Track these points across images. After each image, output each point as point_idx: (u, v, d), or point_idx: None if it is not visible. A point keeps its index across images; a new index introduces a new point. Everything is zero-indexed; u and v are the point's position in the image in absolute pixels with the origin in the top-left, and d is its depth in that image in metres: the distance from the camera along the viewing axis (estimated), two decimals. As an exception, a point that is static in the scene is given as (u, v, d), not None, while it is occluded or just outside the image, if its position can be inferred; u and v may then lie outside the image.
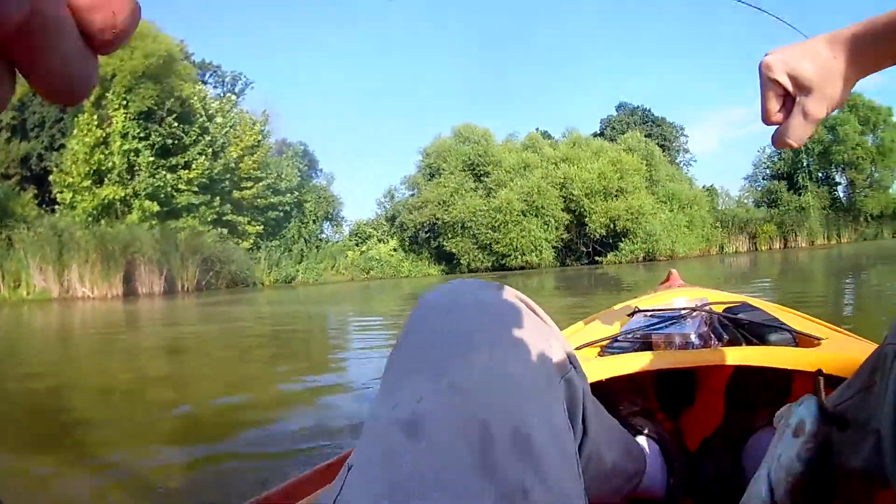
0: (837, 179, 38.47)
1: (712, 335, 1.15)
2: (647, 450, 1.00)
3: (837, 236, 36.26)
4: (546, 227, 31.62)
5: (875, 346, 0.66)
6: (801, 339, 1.16)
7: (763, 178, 40.85)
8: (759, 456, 0.77)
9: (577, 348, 1.16)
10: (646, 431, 1.05)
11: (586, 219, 31.82)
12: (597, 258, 32.27)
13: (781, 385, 1.15)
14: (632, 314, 1.38)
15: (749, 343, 1.18)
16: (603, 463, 0.72)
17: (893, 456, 0.56)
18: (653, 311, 1.36)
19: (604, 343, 1.22)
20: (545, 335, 0.62)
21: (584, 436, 0.65)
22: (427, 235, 33.94)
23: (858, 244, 32.92)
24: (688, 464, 1.08)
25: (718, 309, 1.31)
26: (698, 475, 1.06)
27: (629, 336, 1.20)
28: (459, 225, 31.87)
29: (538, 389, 0.57)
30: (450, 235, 32.38)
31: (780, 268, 16.82)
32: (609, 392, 1.10)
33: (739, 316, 1.24)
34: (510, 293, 0.64)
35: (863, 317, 5.60)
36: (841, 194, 38.42)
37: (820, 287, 9.92)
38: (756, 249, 35.03)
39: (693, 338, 1.09)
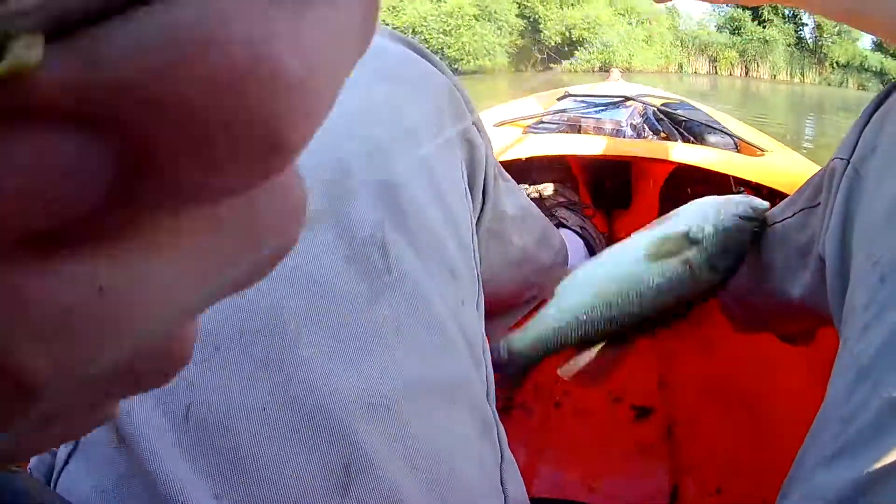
0: (805, 20, 37.45)
1: (646, 127, 1.09)
2: (571, 244, 0.97)
3: (801, 75, 36.03)
4: (499, 31, 31.09)
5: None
6: (742, 146, 1.12)
7: (727, 5, 39.57)
8: None
9: (495, 125, 1.08)
10: (570, 224, 1.01)
11: (541, 25, 31.38)
12: (552, 65, 31.85)
13: (717, 192, 1.12)
14: (562, 98, 1.30)
15: (686, 141, 1.13)
16: (508, 244, 0.67)
17: (837, 282, 0.51)
18: (585, 95, 1.29)
19: (528, 123, 1.13)
20: (440, 83, 0.52)
21: (482, 207, 0.59)
22: (376, 41, 32.68)
23: (823, 88, 32.82)
24: None
25: (656, 103, 1.25)
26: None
27: (557, 118, 1.12)
28: (410, 30, 30.58)
29: (421, 137, 0.47)
30: (401, 41, 31.44)
31: (740, 94, 16.69)
32: (533, 178, 1.05)
33: (678, 112, 1.18)
34: (392, 34, 0.53)
35: (824, 155, 5.53)
36: (808, 36, 37.64)
37: (781, 120, 9.88)
38: (716, 73, 34.84)
39: (625, 126, 1.03)
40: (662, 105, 1.23)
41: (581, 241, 1.00)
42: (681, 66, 34.97)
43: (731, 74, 34.93)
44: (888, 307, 0.40)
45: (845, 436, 0.38)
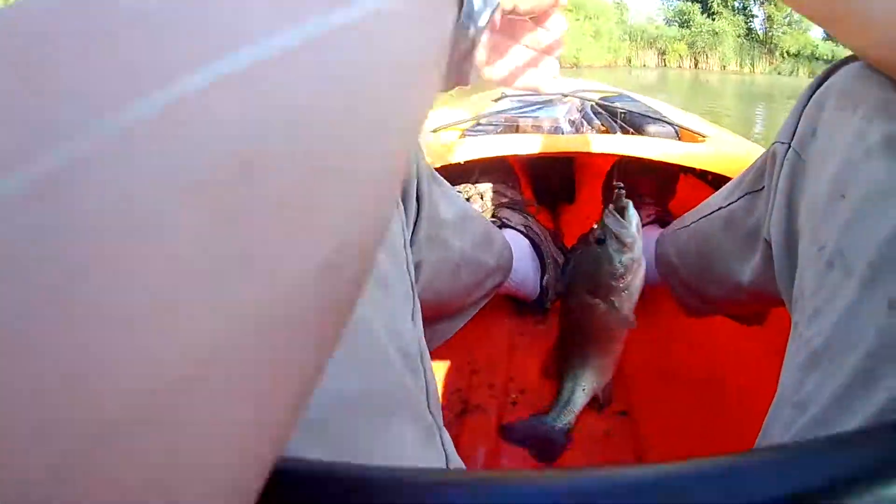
0: (755, 12, 38.32)
1: (584, 122, 1.09)
2: (515, 243, 0.97)
3: (751, 65, 36.84)
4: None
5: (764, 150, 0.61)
6: (683, 134, 1.13)
7: (676, -1, 40.45)
8: None
9: (433, 130, 1.08)
10: (513, 224, 1.01)
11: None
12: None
13: (661, 181, 1.13)
14: (498, 98, 1.31)
15: (625, 133, 1.14)
16: (448, 249, 0.67)
17: (785, 266, 0.51)
18: (521, 94, 1.29)
19: (466, 126, 1.13)
20: None
21: (417, 215, 0.59)
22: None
23: (773, 77, 33.44)
24: (565, 261, 1.06)
25: (593, 97, 1.25)
26: (571, 271, 1.04)
27: (494, 119, 1.12)
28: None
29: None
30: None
31: (689, 85, 16.92)
32: (473, 180, 1.04)
33: (616, 105, 1.19)
34: None
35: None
36: (757, 27, 38.50)
37: (730, 109, 10.02)
38: (665, 66, 35.42)
39: (563, 123, 1.03)
40: (601, 99, 1.24)
41: (526, 240, 1.00)
42: (629, 59, 35.57)
43: (680, 67, 35.65)
44: (838, 293, 0.39)
45: (798, 424, 0.38)
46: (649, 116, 1.19)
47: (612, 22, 34.60)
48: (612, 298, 0.79)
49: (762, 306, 0.74)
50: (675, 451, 0.83)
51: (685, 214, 0.82)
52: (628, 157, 0.98)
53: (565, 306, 0.87)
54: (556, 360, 0.88)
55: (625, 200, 0.78)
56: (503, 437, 0.83)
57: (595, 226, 0.79)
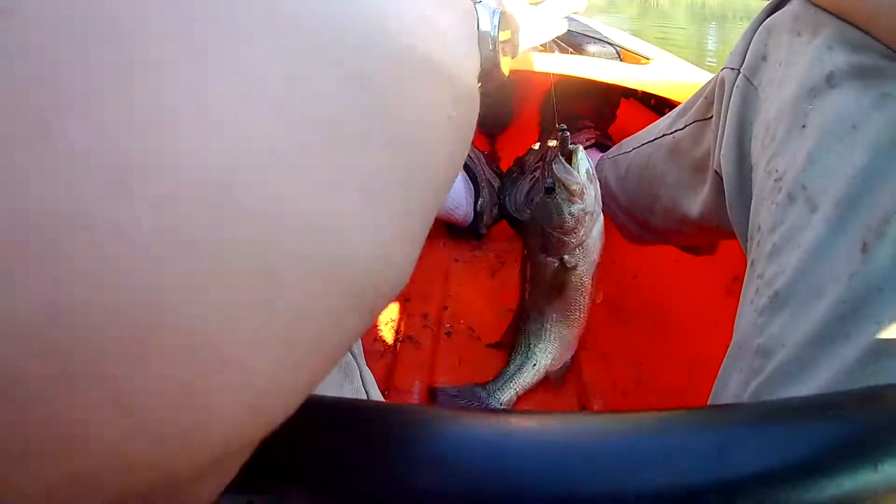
0: None
1: (522, 38, 1.03)
2: None
3: None
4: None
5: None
6: (625, 55, 1.09)
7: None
8: None
9: None
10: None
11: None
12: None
13: (600, 104, 1.09)
14: None
15: (563, 52, 1.08)
16: None
17: (738, 199, 0.48)
18: None
19: None
20: None
21: None
22: None
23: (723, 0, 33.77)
24: (501, 185, 1.02)
25: None
26: (506, 196, 1.00)
27: None
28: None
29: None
30: None
31: (639, 8, 16.81)
32: None
33: (555, 22, 1.13)
34: None
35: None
36: None
37: (681, 32, 9.98)
38: None
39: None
40: None
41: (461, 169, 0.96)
42: (577, -21, 35.21)
43: None
44: (801, 230, 0.37)
45: (768, 370, 0.36)
46: (589, 36, 1.15)
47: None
48: (565, 255, 0.71)
49: (712, 238, 0.72)
50: (622, 387, 0.81)
51: (625, 140, 0.79)
52: (566, 76, 0.93)
53: (523, 264, 0.78)
54: (512, 325, 0.81)
55: (572, 145, 0.71)
56: (432, 398, 0.77)
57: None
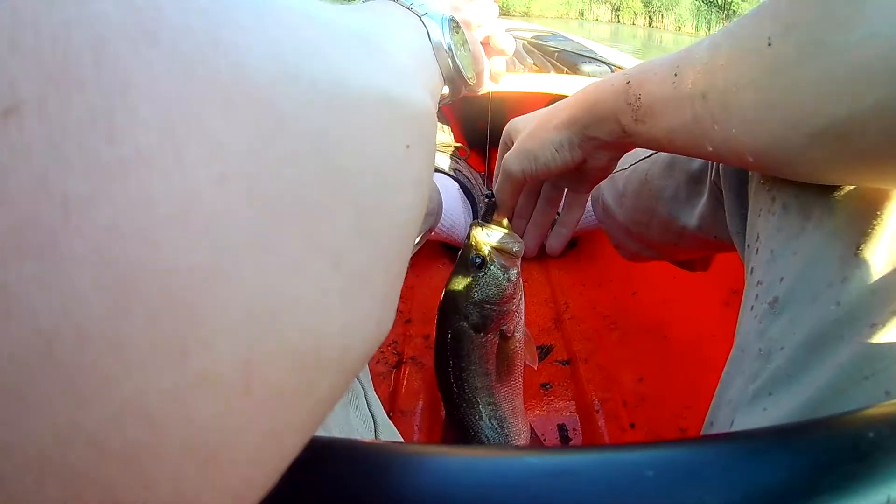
0: None
1: (516, 61, 1.05)
2: (445, 188, 0.93)
3: (707, 29, 36.97)
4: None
5: None
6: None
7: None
8: None
9: None
10: (442, 168, 0.97)
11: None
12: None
13: None
14: None
15: (559, 72, 1.10)
16: None
17: (736, 209, 0.49)
18: None
19: None
20: None
21: None
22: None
23: None
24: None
25: (526, 36, 1.21)
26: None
27: None
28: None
29: None
30: None
31: (642, 43, 16.93)
32: None
33: (549, 44, 1.15)
34: None
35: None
36: None
37: None
38: (619, 22, 35.50)
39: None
40: (533, 38, 1.20)
41: (456, 184, 0.96)
42: (581, 13, 35.43)
43: (633, 24, 35.73)
44: (795, 234, 0.38)
45: (766, 373, 0.37)
46: (584, 55, 1.16)
47: (564, -27, 34.39)
48: (503, 327, 0.62)
49: (708, 251, 0.72)
50: (623, 401, 0.82)
51: (622, 157, 0.79)
52: (562, 96, 0.94)
53: (442, 366, 0.63)
54: (449, 432, 0.67)
55: (498, 210, 0.62)
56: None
57: (468, 241, 0.63)
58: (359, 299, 0.17)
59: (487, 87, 0.50)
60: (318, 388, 0.16)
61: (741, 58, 0.34)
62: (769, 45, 0.32)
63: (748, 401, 0.37)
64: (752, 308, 0.41)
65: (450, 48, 0.35)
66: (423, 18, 0.34)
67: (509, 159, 0.58)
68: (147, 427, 0.12)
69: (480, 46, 0.46)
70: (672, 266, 0.79)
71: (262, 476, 0.15)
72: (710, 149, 0.38)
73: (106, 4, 0.12)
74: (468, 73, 0.38)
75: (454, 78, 0.36)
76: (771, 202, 0.41)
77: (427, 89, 0.29)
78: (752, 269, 0.43)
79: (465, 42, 0.39)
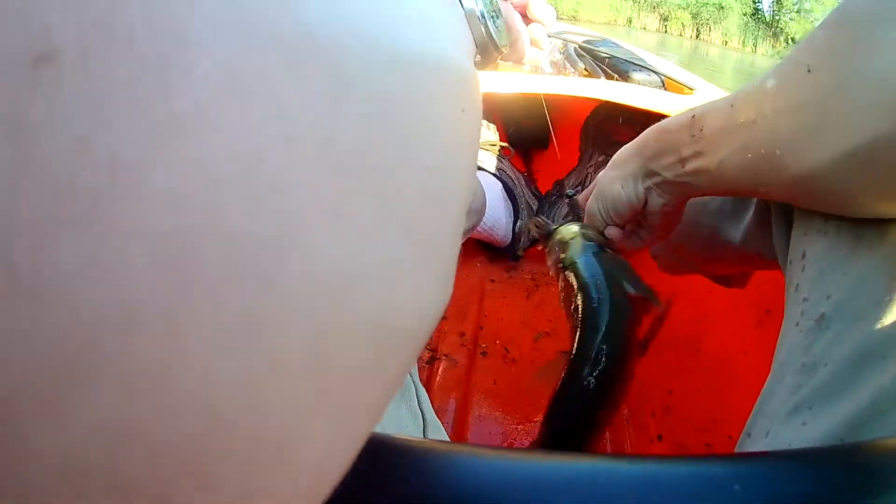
0: None
1: (567, 64, 1.05)
2: (488, 186, 0.93)
3: (753, 45, 36.35)
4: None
5: None
6: (669, 84, 1.09)
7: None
8: None
9: None
10: (486, 167, 0.98)
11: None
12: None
13: (642, 131, 1.09)
14: None
15: (609, 78, 1.10)
16: None
17: (782, 225, 0.50)
18: None
19: None
20: None
21: None
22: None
23: (774, 60, 33.46)
24: (539, 207, 1.04)
25: (577, 40, 1.21)
26: (546, 217, 1.02)
27: None
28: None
29: None
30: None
31: (689, 54, 16.70)
32: None
33: (600, 49, 1.15)
34: None
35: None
36: (765, 9, 37.95)
37: (728, 83, 9.88)
38: (666, 31, 35.08)
39: (545, 63, 0.99)
40: (584, 42, 1.20)
41: (499, 183, 0.97)
42: (630, 20, 35.07)
43: (681, 35, 35.22)
44: (846, 256, 0.39)
45: (807, 387, 0.37)
46: (635, 63, 1.15)
47: (614, -20, 34.08)
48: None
49: (748, 267, 0.72)
50: (652, 413, 0.82)
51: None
52: (611, 103, 0.94)
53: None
54: None
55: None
56: None
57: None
58: (428, 268, 0.16)
59: (529, 56, 0.50)
60: (390, 365, 0.15)
61: (785, 85, 0.36)
62: (808, 71, 0.34)
63: (787, 413, 0.38)
64: (797, 324, 0.42)
65: (483, 15, 0.35)
66: None
67: (589, 201, 0.60)
68: (210, 421, 0.11)
69: (518, 15, 0.46)
70: (707, 281, 0.79)
71: (335, 465, 0.15)
72: (758, 178, 0.40)
73: None
74: (501, 41, 0.38)
75: (487, 45, 0.36)
76: (824, 222, 0.42)
77: (469, 55, 0.30)
78: (798, 285, 0.44)
79: (498, 10, 0.39)
